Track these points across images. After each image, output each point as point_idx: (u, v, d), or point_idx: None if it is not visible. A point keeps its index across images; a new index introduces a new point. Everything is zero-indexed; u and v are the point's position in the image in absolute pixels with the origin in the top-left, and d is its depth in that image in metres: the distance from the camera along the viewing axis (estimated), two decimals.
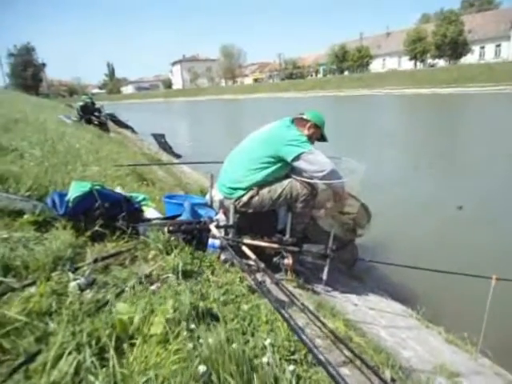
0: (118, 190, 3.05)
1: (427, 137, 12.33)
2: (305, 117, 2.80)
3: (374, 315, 2.72)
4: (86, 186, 2.28)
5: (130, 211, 2.42)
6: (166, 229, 2.32)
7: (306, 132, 2.74)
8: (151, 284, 1.87)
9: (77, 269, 1.79)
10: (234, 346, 1.40)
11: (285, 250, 2.57)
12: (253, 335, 1.62)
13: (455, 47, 45.13)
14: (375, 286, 3.38)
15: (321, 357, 1.53)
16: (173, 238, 2.42)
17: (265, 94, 55.99)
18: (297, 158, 2.50)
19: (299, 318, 2.08)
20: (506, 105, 21.55)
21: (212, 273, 2.30)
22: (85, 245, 2.13)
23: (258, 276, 2.10)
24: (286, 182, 2.58)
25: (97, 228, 2.21)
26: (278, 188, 2.56)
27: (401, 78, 42.95)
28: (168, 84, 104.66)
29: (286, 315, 1.56)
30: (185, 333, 1.28)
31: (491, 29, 46.78)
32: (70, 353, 1.05)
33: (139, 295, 1.70)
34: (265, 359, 1.39)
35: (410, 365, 2.05)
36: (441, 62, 49.28)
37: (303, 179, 2.57)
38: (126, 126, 15.72)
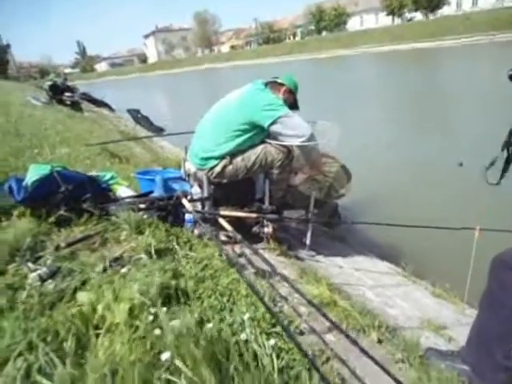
0: (93, 172, 2.89)
1: (407, 95, 12.19)
2: (279, 81, 2.65)
3: (360, 276, 2.69)
4: (45, 169, 2.12)
5: (97, 192, 2.28)
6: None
7: (280, 96, 2.59)
8: (122, 267, 1.77)
9: (38, 258, 1.67)
10: (209, 325, 1.32)
11: (264, 219, 2.47)
12: (231, 311, 1.54)
13: None
14: (360, 246, 3.34)
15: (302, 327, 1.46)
16: (146, 217, 2.30)
17: (243, 61, 54.57)
18: (274, 122, 2.36)
19: (282, 288, 2.03)
20: (483, 56, 21.31)
21: (190, 248, 2.20)
22: (49, 232, 2.00)
23: (238, 248, 2.01)
24: (259, 148, 2.45)
25: (61, 213, 2.07)
26: (252, 155, 2.43)
27: (379, 35, 42.15)
28: (143, 58, 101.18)
29: (264, 289, 1.47)
30: (150, 317, 1.18)
31: None
32: (19, 354, 0.95)
33: (107, 280, 1.60)
34: (243, 336, 1.32)
35: (397, 323, 2.02)
36: (418, 16, 48.35)
37: (278, 143, 2.45)
38: (102, 104, 15.20)
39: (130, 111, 11.15)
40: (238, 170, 2.43)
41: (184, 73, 55.63)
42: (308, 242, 2.75)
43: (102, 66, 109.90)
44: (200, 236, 2.13)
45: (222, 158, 2.42)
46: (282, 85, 2.64)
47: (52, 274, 1.56)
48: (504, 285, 1.41)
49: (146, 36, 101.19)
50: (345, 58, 35.64)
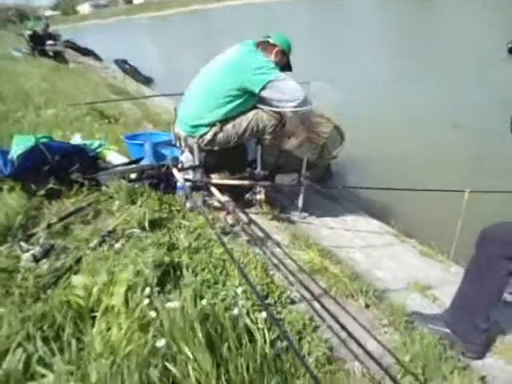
0: (78, 137, 2.83)
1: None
2: (271, 41, 2.49)
3: (350, 236, 2.74)
4: (30, 140, 2.07)
5: (85, 161, 2.25)
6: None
7: (273, 58, 2.46)
8: (116, 241, 1.79)
9: (31, 236, 1.68)
10: (203, 302, 1.37)
11: (256, 185, 2.47)
12: (224, 284, 1.59)
13: None
14: (352, 205, 3.38)
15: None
16: (137, 185, 2.29)
17: (235, 1, 51.52)
18: (264, 87, 2.26)
19: (273, 255, 2.07)
20: None
21: (183, 217, 2.23)
22: (40, 206, 2.00)
23: (230, 217, 2.03)
24: (251, 114, 2.38)
25: (50, 185, 2.05)
26: (244, 121, 2.37)
27: None
28: None
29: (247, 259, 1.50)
30: (146, 301, 1.22)
31: None
32: (18, 344, 0.99)
33: (102, 256, 1.63)
34: (235, 311, 1.37)
35: (385, 285, 2.10)
36: None
37: (270, 108, 2.38)
38: (88, 53, 14.50)
39: (117, 62, 10.72)
40: (229, 138, 2.38)
41: (173, 15, 52.66)
42: (300, 204, 2.78)
43: (84, 8, 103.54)
44: (192, 209, 2.13)
45: (212, 125, 2.36)
46: (274, 45, 2.48)
47: (46, 253, 1.58)
48: (491, 257, 1.46)
49: None
50: None
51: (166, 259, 1.58)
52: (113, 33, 35.50)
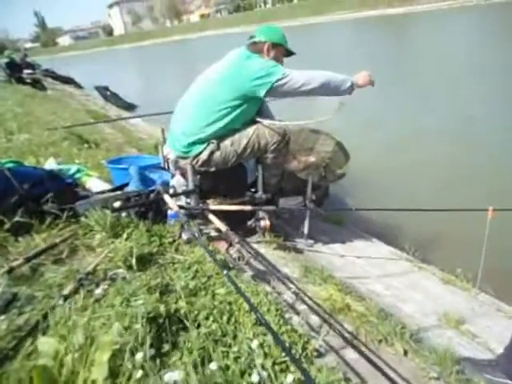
0: (52, 161, 2.50)
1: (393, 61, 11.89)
2: (257, 39, 2.22)
3: (364, 265, 2.47)
4: None
5: (61, 189, 1.92)
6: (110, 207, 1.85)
7: (266, 57, 2.20)
8: (97, 285, 1.45)
9: None
10: (212, 365, 1.05)
11: (259, 210, 2.18)
12: (235, 337, 1.26)
13: None
14: (357, 228, 3.12)
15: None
16: (123, 215, 1.97)
17: (214, 31, 52.68)
18: (271, 89, 2.03)
19: (286, 292, 1.76)
20: (454, 21, 21.05)
21: (176, 250, 1.91)
22: (4, 244, 1.65)
23: (233, 250, 1.72)
24: (250, 129, 2.11)
25: (17, 219, 1.71)
26: (243, 138, 2.09)
27: (351, 0, 41.12)
28: (108, 30, 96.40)
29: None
30: (139, 374, 0.89)
31: None
32: None
33: (79, 307, 1.29)
34: (254, 377, 1.05)
35: (416, 323, 1.81)
36: None
37: (272, 122, 2.12)
38: (68, 81, 14.29)
39: (98, 88, 10.48)
40: (228, 157, 2.10)
41: (154, 45, 53.24)
42: (306, 230, 2.50)
43: (64, 40, 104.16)
44: (189, 241, 1.81)
45: (208, 142, 2.08)
46: (262, 43, 2.21)
47: (6, 306, 1.23)
48: None
49: (110, 6, 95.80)
50: (318, 25, 34.75)
51: (161, 308, 1.25)
52: (94, 63, 35.46)
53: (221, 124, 2.07)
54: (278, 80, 2.01)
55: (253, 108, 2.16)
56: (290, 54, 2.32)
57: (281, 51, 2.26)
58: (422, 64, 10.24)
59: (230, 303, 1.46)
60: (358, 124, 5.08)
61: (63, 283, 1.44)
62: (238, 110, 2.07)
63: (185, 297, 1.45)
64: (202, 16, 79.72)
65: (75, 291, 1.40)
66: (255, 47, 2.20)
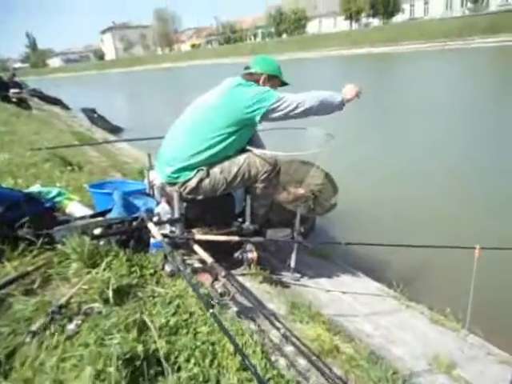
0: (37, 186, 2.39)
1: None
2: (253, 70, 2.22)
3: (351, 302, 2.40)
4: None
5: (38, 213, 1.81)
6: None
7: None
8: (70, 320, 1.34)
9: None
10: None
11: (246, 241, 2.10)
12: (218, 382, 1.16)
13: (387, 5, 45.78)
14: (344, 263, 3.06)
15: None
16: (102, 243, 1.87)
17: (204, 60, 53.82)
18: (267, 113, 2.03)
19: (272, 331, 1.67)
20: (436, 61, 22.10)
21: (157, 282, 1.80)
22: None
23: (218, 285, 1.63)
24: (241, 158, 2.07)
25: None
26: (233, 166, 2.05)
27: (338, 39, 43.00)
28: (100, 55, 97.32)
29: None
30: None
31: None
32: None
33: (48, 345, 1.17)
34: None
35: (407, 367, 1.74)
36: (374, 22, 49.95)
37: (264, 152, 2.09)
38: (55, 102, 14.21)
39: (84, 110, 10.42)
40: (217, 185, 2.05)
41: (144, 71, 53.94)
42: (293, 264, 2.42)
43: (55, 62, 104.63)
44: (172, 274, 1.72)
45: (198, 169, 2.02)
46: (258, 74, 2.21)
47: None
48: None
49: (103, 32, 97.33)
50: (306, 60, 35.93)
51: (138, 348, 1.15)
52: (83, 85, 35.59)
53: (213, 151, 2.04)
54: (273, 104, 2.01)
55: (247, 135, 2.15)
56: (283, 84, 2.34)
57: (276, 82, 2.27)
58: (404, 100, 10.60)
59: (212, 344, 1.37)
60: (346, 157, 5.12)
61: (33, 317, 1.32)
62: (233, 137, 2.05)
63: (164, 335, 1.35)
64: (193, 46, 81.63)
65: (45, 326, 1.28)
66: (251, 77, 2.20)
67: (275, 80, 2.26)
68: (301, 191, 2.38)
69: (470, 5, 42.69)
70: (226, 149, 2.06)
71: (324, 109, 2.14)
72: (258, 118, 2.03)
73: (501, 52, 22.99)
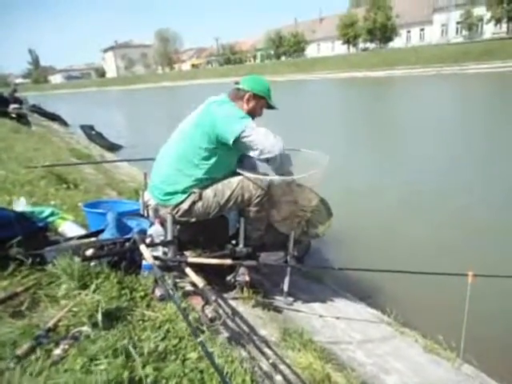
0: (22, 201, 2.38)
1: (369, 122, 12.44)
2: (241, 87, 2.19)
3: (344, 328, 2.37)
4: None
5: (30, 232, 1.80)
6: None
7: (245, 106, 2.18)
8: (56, 344, 1.31)
9: None
10: None
11: (239, 265, 2.09)
12: None
13: (385, 31, 46.90)
14: (337, 287, 3.04)
15: None
16: (93, 264, 1.85)
17: (204, 80, 54.60)
18: (238, 139, 1.97)
19: (263, 359, 1.64)
20: (433, 86, 22.53)
21: (148, 305, 1.78)
22: None
23: (208, 309, 1.61)
24: (235, 181, 2.08)
25: None
26: (227, 190, 2.06)
27: (335, 62, 43.87)
28: (101, 72, 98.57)
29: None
30: None
31: (416, 13, 48.80)
32: None
33: (32, 371, 1.15)
34: None
35: None
36: (371, 46, 51.06)
37: (257, 176, 2.10)
38: (54, 118, 14.34)
39: (83, 127, 10.49)
40: (209, 208, 2.05)
41: (145, 89, 54.58)
42: (286, 288, 2.40)
43: (56, 78, 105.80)
44: (162, 299, 1.70)
45: (189, 192, 2.03)
46: (244, 91, 2.18)
47: None
48: None
49: (105, 50, 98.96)
50: (303, 82, 36.56)
51: (124, 375, 1.13)
52: (83, 102, 35.91)
53: (199, 173, 2.03)
54: (243, 132, 1.96)
55: (230, 156, 2.12)
56: (270, 107, 2.32)
57: (262, 104, 2.24)
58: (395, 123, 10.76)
59: (201, 371, 1.34)
60: (339, 182, 5.14)
61: (18, 340, 1.30)
62: (215, 157, 2.04)
63: (152, 361, 1.33)
64: (194, 66, 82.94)
65: (31, 351, 1.26)
66: (236, 94, 2.20)
67: (261, 101, 2.23)
68: (292, 208, 2.37)
69: (464, 32, 43.87)
70: (210, 170, 2.04)
71: (281, 168, 2.12)
72: (231, 140, 1.97)
73: (494, 77, 23.52)
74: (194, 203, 2.04)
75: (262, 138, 1.99)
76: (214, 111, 2.06)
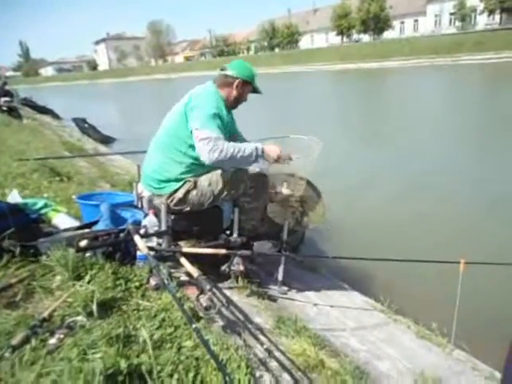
0: (15, 193, 2.37)
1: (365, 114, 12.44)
2: (229, 73, 2.18)
3: (338, 316, 2.40)
4: None
5: (23, 224, 1.80)
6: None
7: (234, 93, 2.18)
8: (52, 333, 1.32)
9: None
10: None
11: (234, 255, 2.10)
12: None
13: (378, 22, 46.75)
14: (332, 276, 3.07)
15: None
16: (88, 255, 1.86)
17: (198, 72, 54.18)
18: (191, 132, 1.97)
19: (258, 345, 1.66)
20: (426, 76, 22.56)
21: (142, 296, 1.79)
22: None
23: (203, 298, 1.62)
24: (229, 171, 2.08)
25: None
26: (221, 180, 2.06)
27: (329, 54, 43.68)
28: (93, 65, 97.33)
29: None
30: None
31: (410, 4, 48.67)
32: None
33: (28, 359, 1.16)
34: None
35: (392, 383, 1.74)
36: (365, 38, 50.89)
37: (252, 167, 2.11)
38: (46, 111, 14.17)
39: (75, 120, 10.39)
40: (204, 196, 2.05)
41: (137, 81, 54.07)
42: (280, 277, 2.42)
43: (47, 71, 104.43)
44: (157, 288, 1.71)
45: (183, 180, 2.03)
46: (233, 78, 2.17)
47: None
48: None
49: (97, 42, 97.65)
50: (299, 74, 36.39)
51: (121, 363, 1.14)
52: (75, 95, 35.50)
53: (188, 160, 2.04)
54: (197, 130, 1.92)
55: None
56: (256, 91, 2.32)
57: (248, 89, 2.25)
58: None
59: (196, 359, 1.36)
60: (334, 172, 5.16)
61: (14, 331, 1.30)
62: None
63: (148, 349, 1.34)
64: (187, 58, 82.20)
65: (26, 341, 1.26)
66: (224, 81, 2.19)
67: (248, 86, 2.23)
68: (285, 191, 2.38)
69: (458, 23, 43.87)
70: (198, 157, 1.97)
71: (237, 163, 2.05)
72: (189, 130, 1.98)
73: (487, 68, 23.60)
74: (188, 192, 2.04)
75: (200, 145, 1.91)
76: (191, 100, 2.07)
